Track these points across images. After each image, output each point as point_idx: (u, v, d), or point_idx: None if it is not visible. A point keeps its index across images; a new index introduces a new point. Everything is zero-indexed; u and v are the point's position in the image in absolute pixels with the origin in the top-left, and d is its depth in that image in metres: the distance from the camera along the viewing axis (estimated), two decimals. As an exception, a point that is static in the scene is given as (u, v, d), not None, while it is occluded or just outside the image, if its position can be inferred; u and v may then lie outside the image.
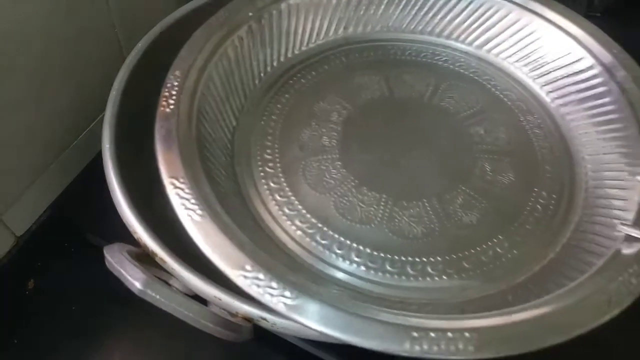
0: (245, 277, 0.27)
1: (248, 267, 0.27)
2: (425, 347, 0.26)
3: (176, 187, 0.30)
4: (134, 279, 0.28)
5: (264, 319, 0.28)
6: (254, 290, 0.27)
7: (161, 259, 0.29)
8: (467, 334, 0.26)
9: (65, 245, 0.44)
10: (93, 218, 0.42)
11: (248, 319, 0.29)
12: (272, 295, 0.27)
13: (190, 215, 0.29)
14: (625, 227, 0.31)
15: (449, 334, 0.26)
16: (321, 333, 0.26)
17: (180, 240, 0.29)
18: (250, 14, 0.40)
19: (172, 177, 0.30)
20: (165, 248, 0.31)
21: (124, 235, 0.31)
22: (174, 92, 0.34)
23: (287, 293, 0.27)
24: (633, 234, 0.30)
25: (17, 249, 0.42)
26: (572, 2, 0.43)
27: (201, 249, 0.28)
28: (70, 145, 0.45)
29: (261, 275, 0.27)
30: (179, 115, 0.33)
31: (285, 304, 0.26)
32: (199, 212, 0.29)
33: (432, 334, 0.26)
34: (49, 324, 0.40)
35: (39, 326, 0.40)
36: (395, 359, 0.30)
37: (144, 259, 0.30)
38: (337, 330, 0.26)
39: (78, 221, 0.43)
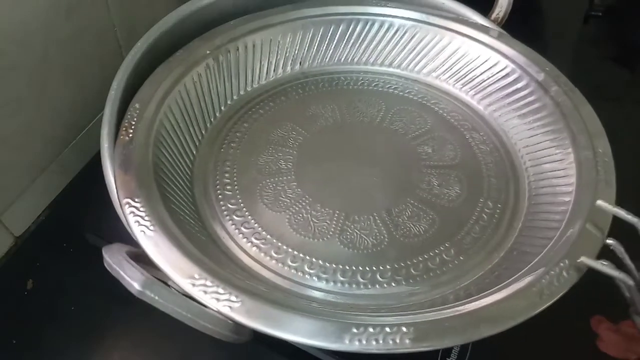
0: (194, 284, 0.29)
1: (196, 276, 0.29)
2: (364, 342, 0.27)
3: (131, 206, 0.32)
4: (133, 280, 0.27)
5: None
6: (201, 296, 0.28)
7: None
8: (404, 329, 0.27)
9: (64, 246, 0.44)
10: (92, 218, 0.42)
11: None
12: (218, 300, 0.28)
13: (143, 231, 0.31)
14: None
15: (387, 329, 0.27)
16: (264, 332, 0.27)
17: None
18: (208, 51, 0.43)
19: (127, 197, 0.32)
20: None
21: (123, 236, 0.31)
22: (133, 122, 0.36)
23: (233, 297, 0.28)
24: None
25: (16, 249, 0.43)
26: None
27: (154, 261, 0.30)
28: (69, 145, 0.45)
29: (208, 282, 0.29)
30: (136, 143, 0.35)
31: (230, 307, 0.28)
32: (151, 227, 0.31)
33: (371, 329, 0.27)
34: (47, 324, 0.40)
35: (38, 326, 0.40)
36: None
37: (143, 259, 0.30)
38: (279, 329, 0.27)
39: (77, 221, 0.43)
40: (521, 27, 0.47)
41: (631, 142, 0.55)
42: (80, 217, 0.43)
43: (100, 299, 0.40)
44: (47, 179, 0.44)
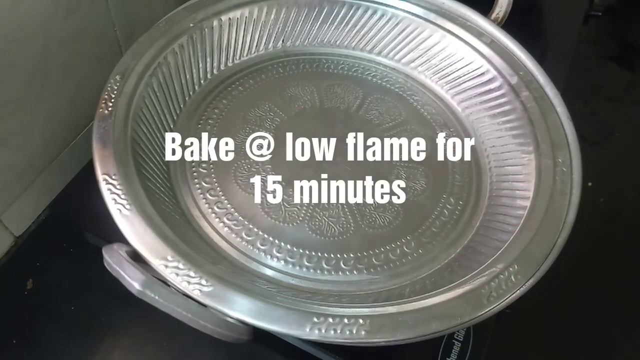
0: (167, 266, 0.30)
1: (169, 257, 0.30)
2: (324, 331, 0.29)
3: (108, 183, 0.32)
4: (133, 280, 0.28)
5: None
6: (173, 278, 0.30)
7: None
8: (361, 320, 0.29)
9: (64, 245, 0.44)
10: (92, 218, 0.40)
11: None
12: (189, 282, 0.30)
13: (119, 209, 0.32)
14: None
15: (345, 320, 0.29)
16: (232, 317, 0.29)
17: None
18: (191, 24, 0.43)
19: (105, 173, 0.33)
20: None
21: (123, 235, 0.31)
22: (113, 95, 0.36)
23: (203, 281, 0.30)
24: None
25: (16, 249, 0.43)
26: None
27: (129, 240, 0.31)
28: (69, 145, 0.45)
29: (181, 265, 0.30)
30: (115, 117, 0.35)
31: (200, 290, 0.29)
32: (128, 206, 0.32)
33: (331, 320, 0.29)
34: (48, 324, 0.40)
35: (38, 326, 0.40)
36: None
37: (143, 259, 0.30)
38: (247, 315, 0.29)
39: (77, 221, 0.43)
40: (521, 27, 0.48)
41: (631, 142, 0.57)
42: (80, 217, 0.43)
43: (101, 298, 0.40)
44: (47, 178, 0.44)
